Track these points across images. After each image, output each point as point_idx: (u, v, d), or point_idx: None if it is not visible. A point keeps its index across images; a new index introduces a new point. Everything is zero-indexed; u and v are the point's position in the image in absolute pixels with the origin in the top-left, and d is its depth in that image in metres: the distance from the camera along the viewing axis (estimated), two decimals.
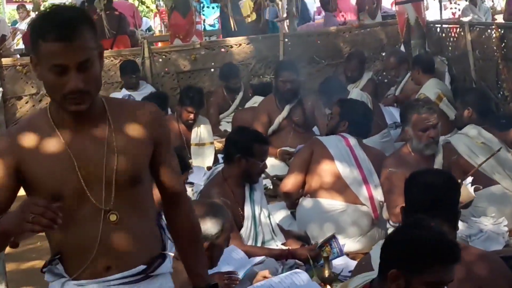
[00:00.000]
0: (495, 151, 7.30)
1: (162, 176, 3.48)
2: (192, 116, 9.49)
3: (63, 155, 3.19)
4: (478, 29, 11.87)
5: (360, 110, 7.88)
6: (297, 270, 5.68)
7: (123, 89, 11.54)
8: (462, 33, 11.93)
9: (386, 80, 12.73)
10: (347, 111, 7.68)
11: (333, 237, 6.32)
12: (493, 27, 11.35)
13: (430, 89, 10.10)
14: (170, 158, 3.55)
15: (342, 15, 17.59)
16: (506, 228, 7.25)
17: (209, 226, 4.78)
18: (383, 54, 13.17)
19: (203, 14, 15.61)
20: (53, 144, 3.19)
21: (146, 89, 11.34)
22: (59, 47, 2.96)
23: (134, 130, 3.35)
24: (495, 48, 11.01)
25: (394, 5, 13.23)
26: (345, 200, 7.26)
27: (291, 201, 7.59)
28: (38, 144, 3.32)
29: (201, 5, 14.53)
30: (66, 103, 3.08)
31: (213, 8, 17.15)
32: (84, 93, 3.09)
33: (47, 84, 3.11)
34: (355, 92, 10.11)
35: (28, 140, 3.31)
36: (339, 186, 7.31)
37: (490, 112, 8.50)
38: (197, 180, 8.18)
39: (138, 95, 10.60)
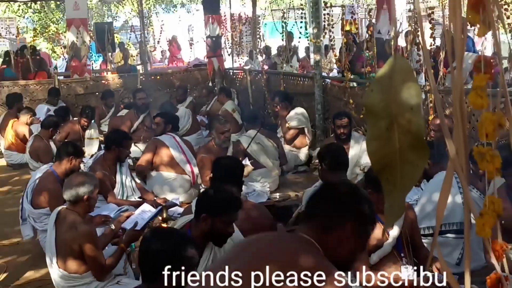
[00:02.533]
0: (252, 139, 7.61)
1: None
2: (86, 123, 9.59)
3: None
4: (253, 73, 12.80)
5: (176, 118, 8.20)
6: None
7: (45, 104, 11.53)
8: (244, 76, 12.75)
9: (200, 102, 12.73)
10: (169, 119, 7.88)
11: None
12: (263, 72, 12.23)
13: (229, 106, 10.33)
14: None
15: (176, 63, 17.67)
16: (268, 189, 7.40)
17: (86, 186, 4.61)
18: (199, 86, 13.55)
19: (92, 60, 15.81)
20: None
21: (60, 104, 11.42)
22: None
23: None
24: (263, 85, 11.78)
25: (206, 57, 13.73)
26: (176, 172, 7.40)
27: (144, 173, 7.50)
28: None
29: (90, 54, 14.80)
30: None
31: (98, 56, 17.12)
32: None
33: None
34: (181, 109, 10.28)
35: None
36: (172, 164, 7.41)
37: (258, 121, 8.53)
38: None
39: (54, 109, 10.84)
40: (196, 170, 7.45)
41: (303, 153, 8.79)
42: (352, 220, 2.51)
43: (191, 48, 19.90)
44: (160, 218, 5.64)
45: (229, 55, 16.10)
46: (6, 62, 14.71)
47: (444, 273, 4.26)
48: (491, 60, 1.03)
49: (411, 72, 1.07)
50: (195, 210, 3.97)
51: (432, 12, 8.99)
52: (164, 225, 5.36)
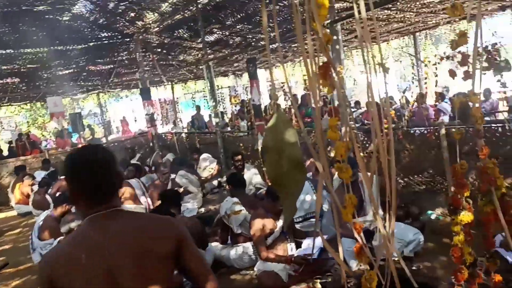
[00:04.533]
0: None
1: None
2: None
3: None
4: (177, 134, 12.18)
5: (140, 167, 8.09)
6: None
7: (41, 170, 10.80)
8: (172, 136, 12.12)
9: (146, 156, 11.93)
10: (137, 168, 7.81)
11: None
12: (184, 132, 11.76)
13: (170, 156, 9.95)
14: None
15: (126, 131, 16.87)
16: (196, 207, 7.17)
17: (75, 222, 4.43)
18: (144, 146, 12.92)
19: (70, 138, 14.98)
20: None
21: (51, 169, 10.45)
22: None
23: None
24: (184, 141, 11.41)
25: (146, 127, 12.74)
26: (135, 203, 6.74)
27: None
28: None
29: (70, 133, 14.03)
30: None
31: (74, 134, 16.17)
32: None
33: None
34: (133, 162, 9.69)
35: None
36: (133, 198, 6.75)
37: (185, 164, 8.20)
38: None
39: (47, 173, 10.21)
40: (149, 200, 7.09)
41: (215, 181, 8.66)
42: None
43: (135, 122, 19.96)
44: None
45: (161, 124, 16.08)
46: (10, 148, 14.44)
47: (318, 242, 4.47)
48: (338, 109, 1.04)
49: (289, 121, 1.06)
50: None
51: (282, 86, 9.36)
52: None
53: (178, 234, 1.63)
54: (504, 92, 5.91)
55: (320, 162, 1.07)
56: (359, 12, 1.05)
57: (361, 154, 1.12)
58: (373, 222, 4.55)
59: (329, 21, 5.19)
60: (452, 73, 1.36)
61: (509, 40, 8.02)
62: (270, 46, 10.80)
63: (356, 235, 1.07)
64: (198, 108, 14.94)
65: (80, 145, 14.83)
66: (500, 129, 4.81)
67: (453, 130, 5.10)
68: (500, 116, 8.36)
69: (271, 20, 8.97)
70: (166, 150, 10.49)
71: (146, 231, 1.57)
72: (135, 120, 19.75)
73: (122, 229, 1.54)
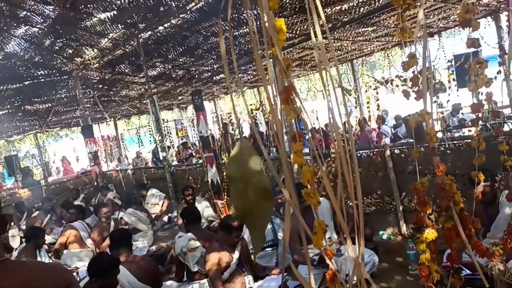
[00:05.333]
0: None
1: None
2: (8, 227, 7.63)
3: None
4: (123, 171, 11.85)
5: (83, 209, 7.58)
6: None
7: None
8: (117, 174, 11.76)
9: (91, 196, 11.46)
10: (79, 210, 7.32)
11: None
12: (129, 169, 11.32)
13: (110, 195, 9.39)
14: None
15: (67, 171, 16.21)
16: (146, 244, 6.92)
17: None
18: (87, 187, 12.31)
19: (5, 182, 14.01)
20: None
21: None
22: None
23: None
24: (131, 178, 11.03)
25: (89, 166, 12.42)
26: (81, 247, 6.54)
27: (58, 252, 6.51)
28: None
29: (3, 178, 13.18)
30: None
31: (10, 179, 15.23)
32: None
33: None
34: (77, 203, 9.44)
35: None
36: (80, 242, 6.57)
37: (132, 201, 8.14)
38: None
39: None
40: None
41: (165, 217, 8.44)
42: None
43: (77, 162, 19.16)
44: None
45: (105, 162, 15.58)
46: None
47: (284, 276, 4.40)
48: (302, 134, 1.02)
49: (252, 149, 1.03)
50: (88, 274, 3.59)
51: (229, 116, 9.39)
52: None
53: (65, 281, 1.64)
54: (442, 113, 6.29)
55: (286, 189, 1.04)
56: (316, 36, 1.06)
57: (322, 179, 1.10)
58: (328, 246, 4.64)
59: None
60: (406, 94, 1.40)
61: (442, 63, 8.59)
62: (216, 77, 10.89)
63: (328, 261, 1.04)
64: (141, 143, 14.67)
65: (16, 189, 13.98)
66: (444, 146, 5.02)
67: (406, 149, 5.41)
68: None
69: (213, 52, 9.15)
70: (106, 190, 9.95)
71: (32, 282, 1.55)
72: (77, 159, 19.08)
73: (7, 285, 1.51)
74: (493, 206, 3.99)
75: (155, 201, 8.65)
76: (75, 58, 8.81)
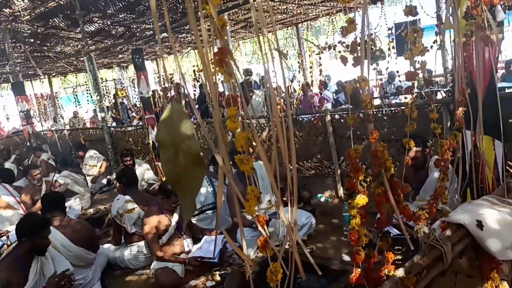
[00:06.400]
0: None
1: None
2: None
3: None
4: (59, 132, 11.21)
5: (8, 172, 7.04)
6: None
7: None
8: (52, 134, 11.09)
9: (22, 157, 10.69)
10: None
11: None
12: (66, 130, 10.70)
13: (44, 156, 8.72)
14: None
15: None
16: (80, 206, 6.68)
17: None
18: (19, 147, 11.55)
19: None
20: None
21: None
22: None
23: None
24: (67, 138, 10.51)
25: (21, 126, 11.63)
26: (12, 210, 6.15)
27: None
28: None
29: None
30: None
31: None
32: None
33: None
34: (8, 164, 9.12)
35: None
36: (7, 206, 6.14)
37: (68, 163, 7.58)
38: None
39: None
40: (22, 206, 6.27)
41: (104, 179, 8.19)
42: None
43: (8, 121, 17.87)
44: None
45: (38, 121, 14.83)
46: None
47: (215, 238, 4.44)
48: (236, 97, 0.99)
49: (184, 113, 0.98)
50: (16, 236, 3.49)
51: (172, 77, 9.15)
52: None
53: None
54: (380, 80, 6.45)
55: (220, 155, 1.01)
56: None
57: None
58: (267, 210, 4.72)
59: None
60: (344, 60, 1.39)
61: (383, 31, 8.76)
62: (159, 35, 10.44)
63: (260, 227, 1.03)
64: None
65: None
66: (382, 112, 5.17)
67: (346, 115, 5.53)
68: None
69: (158, 9, 8.76)
70: (39, 151, 9.29)
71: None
72: (7, 118, 17.86)
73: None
74: (423, 170, 4.21)
75: (93, 162, 8.32)
76: (3, 9, 8.21)
